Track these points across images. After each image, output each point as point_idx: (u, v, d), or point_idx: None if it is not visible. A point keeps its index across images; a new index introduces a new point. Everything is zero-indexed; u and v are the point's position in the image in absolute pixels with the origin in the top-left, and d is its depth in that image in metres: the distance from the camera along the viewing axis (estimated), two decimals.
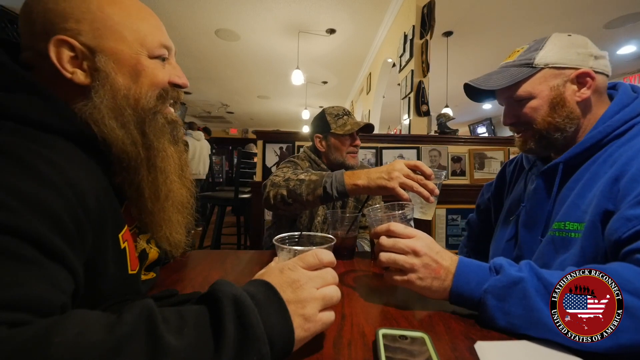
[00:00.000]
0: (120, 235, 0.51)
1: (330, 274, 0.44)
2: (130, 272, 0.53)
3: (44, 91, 0.45)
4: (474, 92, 0.78)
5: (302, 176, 0.92)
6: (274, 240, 0.52)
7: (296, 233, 0.57)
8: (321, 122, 1.28)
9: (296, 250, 0.48)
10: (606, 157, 0.64)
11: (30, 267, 0.32)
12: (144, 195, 0.55)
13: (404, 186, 0.76)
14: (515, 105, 0.73)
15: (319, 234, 0.57)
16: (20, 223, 0.33)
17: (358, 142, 1.27)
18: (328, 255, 0.45)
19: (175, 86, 0.59)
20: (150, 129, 0.54)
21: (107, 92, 0.49)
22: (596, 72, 0.67)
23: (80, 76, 0.49)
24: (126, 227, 0.53)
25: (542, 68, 0.69)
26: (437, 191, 0.75)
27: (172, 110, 0.60)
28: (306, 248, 0.47)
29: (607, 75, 0.70)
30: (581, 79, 0.67)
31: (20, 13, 0.49)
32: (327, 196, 0.86)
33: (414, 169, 0.78)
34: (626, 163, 0.59)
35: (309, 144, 1.36)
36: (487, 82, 0.73)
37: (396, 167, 0.78)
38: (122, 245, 0.51)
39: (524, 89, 0.70)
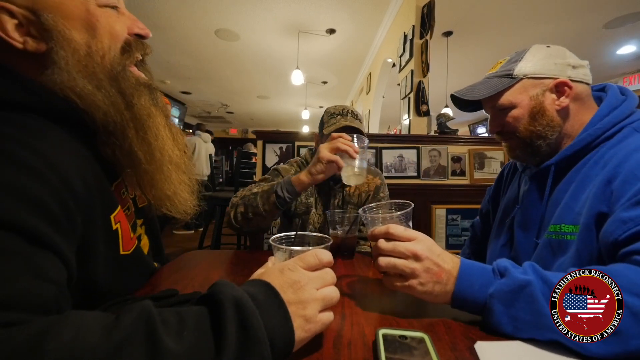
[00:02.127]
0: (112, 217, 0.49)
1: (330, 275, 0.44)
2: (122, 252, 0.52)
3: (3, 67, 0.42)
4: (461, 102, 0.81)
5: (255, 189, 0.98)
6: (270, 241, 0.52)
7: (292, 233, 0.57)
8: (321, 120, 1.28)
9: (292, 250, 0.48)
10: (597, 158, 0.65)
11: (15, 260, 0.31)
12: (138, 156, 0.52)
13: (331, 152, 0.86)
14: (499, 114, 0.76)
15: (315, 234, 0.57)
16: (1, 212, 0.31)
17: None
18: (327, 256, 0.45)
19: (139, 37, 0.54)
20: (126, 86, 0.50)
21: (67, 52, 0.45)
22: (574, 81, 0.69)
23: (32, 44, 0.44)
24: (119, 207, 0.51)
25: (522, 78, 0.72)
26: (356, 148, 0.85)
27: (141, 74, 0.56)
28: (303, 248, 0.47)
29: (588, 84, 0.71)
30: (560, 88, 0.70)
31: None
32: (280, 199, 0.91)
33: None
34: (618, 165, 0.60)
35: (309, 144, 1.34)
36: (470, 93, 0.76)
37: (320, 147, 0.89)
38: (114, 227, 0.50)
39: (505, 98, 0.73)
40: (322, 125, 1.23)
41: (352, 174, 0.85)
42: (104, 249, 0.47)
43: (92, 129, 0.48)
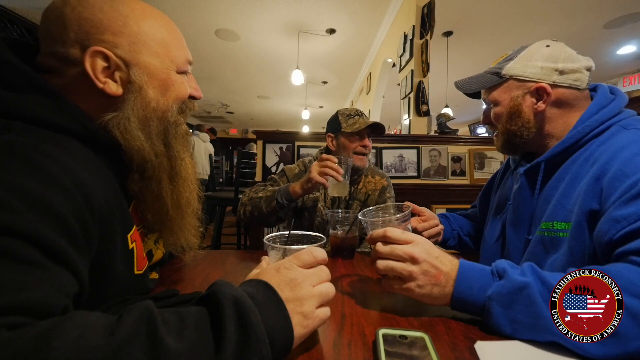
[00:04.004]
0: (129, 236, 0.51)
1: (325, 271, 0.45)
2: (136, 272, 0.54)
3: (52, 92, 0.46)
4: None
5: (260, 194, 1.17)
6: (264, 240, 0.53)
7: (285, 232, 0.57)
8: (334, 121, 1.32)
9: (286, 249, 0.48)
10: (587, 156, 0.66)
11: (33, 270, 0.32)
12: (167, 203, 0.57)
13: (320, 174, 1.00)
14: (488, 108, 0.80)
15: (308, 232, 0.57)
16: (24, 225, 0.32)
17: (366, 142, 1.28)
18: (322, 253, 0.46)
19: (191, 98, 0.62)
20: (174, 140, 0.57)
21: (137, 103, 0.51)
22: (559, 87, 0.70)
23: (111, 87, 0.50)
24: (134, 227, 0.53)
25: (508, 79, 0.75)
26: (341, 171, 1.01)
27: (186, 126, 0.62)
28: (297, 247, 0.48)
29: (578, 89, 0.71)
30: (540, 92, 0.71)
31: (45, 17, 0.50)
32: (279, 204, 1.10)
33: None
34: (607, 162, 0.60)
35: (309, 144, 1.37)
36: (465, 85, 0.82)
37: (312, 166, 1.04)
38: (131, 246, 0.52)
39: (492, 95, 0.77)
40: (337, 126, 1.30)
41: (335, 190, 1.07)
42: (120, 268, 0.49)
43: (128, 166, 0.53)
